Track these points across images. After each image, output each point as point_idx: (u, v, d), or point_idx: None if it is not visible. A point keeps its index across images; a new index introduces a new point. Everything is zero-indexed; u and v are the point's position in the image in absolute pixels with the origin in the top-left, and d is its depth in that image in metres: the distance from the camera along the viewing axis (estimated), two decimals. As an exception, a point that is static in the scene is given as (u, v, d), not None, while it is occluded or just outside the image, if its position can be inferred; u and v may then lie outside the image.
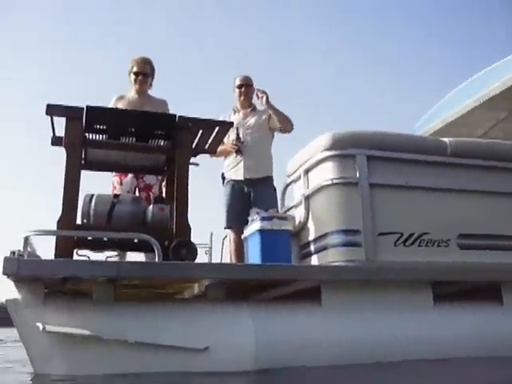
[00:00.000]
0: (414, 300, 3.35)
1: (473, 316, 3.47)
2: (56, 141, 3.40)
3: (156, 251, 2.91)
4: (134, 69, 4.54)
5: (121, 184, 4.37)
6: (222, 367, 2.74)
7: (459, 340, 3.29)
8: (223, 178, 4.80)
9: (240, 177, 4.63)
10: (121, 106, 4.47)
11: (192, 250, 3.08)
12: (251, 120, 4.75)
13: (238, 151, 4.58)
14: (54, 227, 3.00)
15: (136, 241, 3.20)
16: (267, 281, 3.15)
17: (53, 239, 3.03)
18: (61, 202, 3.09)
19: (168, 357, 2.72)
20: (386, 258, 3.30)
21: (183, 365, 2.72)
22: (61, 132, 3.24)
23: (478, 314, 3.50)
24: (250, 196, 4.61)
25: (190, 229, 3.18)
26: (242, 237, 3.94)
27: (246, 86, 4.85)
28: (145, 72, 4.53)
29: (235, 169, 4.67)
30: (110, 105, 4.50)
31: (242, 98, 4.85)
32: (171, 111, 4.50)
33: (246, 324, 2.93)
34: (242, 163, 4.61)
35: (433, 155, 3.58)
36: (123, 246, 3.37)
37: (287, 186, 4.07)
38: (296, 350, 2.92)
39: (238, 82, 4.89)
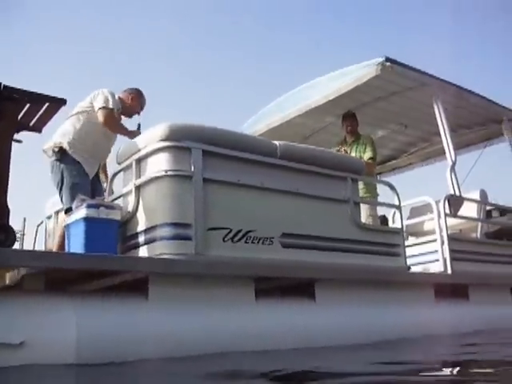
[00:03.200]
0: (238, 295, 3.43)
1: (289, 311, 3.67)
2: None
3: (-31, 235, 2.60)
4: None
5: None
6: (39, 362, 2.53)
7: (277, 333, 3.44)
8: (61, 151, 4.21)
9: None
10: None
11: (10, 235, 2.81)
12: None
13: None
14: None
15: None
16: (91, 271, 2.99)
17: None
18: None
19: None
20: (215, 252, 3.33)
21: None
22: None
23: (294, 309, 3.71)
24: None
25: (9, 211, 2.90)
26: (64, 224, 3.70)
27: None
28: None
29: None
30: None
31: None
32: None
33: (67, 317, 2.75)
34: None
35: (264, 156, 3.70)
36: None
37: (116, 173, 3.91)
38: (121, 344, 2.81)
39: None
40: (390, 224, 6.08)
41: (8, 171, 2.91)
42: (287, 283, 3.79)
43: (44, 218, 5.05)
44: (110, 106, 4.14)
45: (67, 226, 3.64)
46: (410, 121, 7.04)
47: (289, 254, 3.69)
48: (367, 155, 5.73)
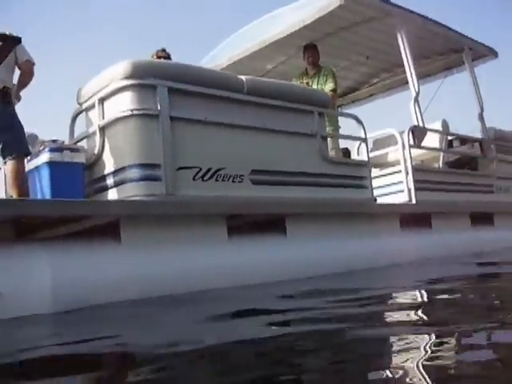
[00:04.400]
0: (210, 233, 3.43)
1: (261, 246, 3.70)
2: None
3: None
4: None
5: None
6: (18, 313, 2.48)
7: (251, 269, 3.48)
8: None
9: None
10: None
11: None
12: None
13: None
14: None
15: None
16: (62, 217, 2.92)
17: None
18: None
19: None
20: (185, 192, 3.29)
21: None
22: None
23: (266, 244, 3.74)
24: None
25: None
26: (26, 170, 3.58)
27: None
28: None
29: None
30: None
31: None
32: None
33: (41, 265, 2.71)
34: None
35: (231, 92, 3.61)
36: None
37: (77, 114, 3.76)
38: (96, 289, 2.79)
39: None
40: (354, 156, 6.10)
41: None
42: (258, 219, 3.80)
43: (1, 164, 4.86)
44: None
45: (30, 172, 3.52)
46: (372, 52, 6.95)
47: (259, 190, 3.68)
48: (329, 87, 5.67)
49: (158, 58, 4.64)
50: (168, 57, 4.72)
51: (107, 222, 3.05)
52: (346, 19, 5.84)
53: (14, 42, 2.98)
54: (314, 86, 5.63)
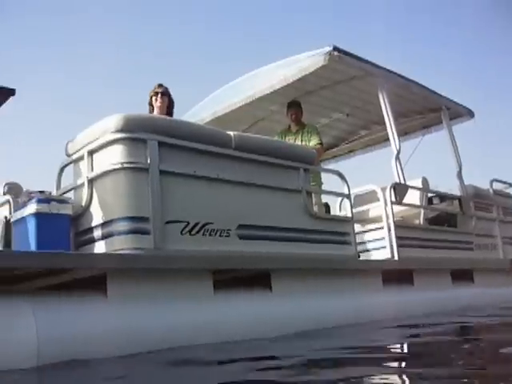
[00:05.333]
0: (196, 288, 3.40)
1: (247, 301, 3.67)
2: None
3: None
4: None
5: None
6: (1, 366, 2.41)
7: (236, 324, 3.44)
8: None
9: None
10: None
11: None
12: None
13: None
14: None
15: None
16: (48, 270, 2.87)
17: None
18: None
19: None
20: (173, 246, 3.28)
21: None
22: None
23: (252, 299, 3.72)
24: None
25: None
26: (12, 220, 3.53)
27: None
28: None
29: None
30: None
31: None
32: None
33: (26, 319, 2.63)
34: None
35: (219, 147, 3.65)
36: None
37: (65, 166, 3.75)
38: (81, 344, 2.72)
39: None
40: (335, 212, 6.17)
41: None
42: (244, 274, 3.78)
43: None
44: None
45: (15, 222, 3.47)
46: (351, 109, 7.15)
47: (245, 245, 3.69)
48: (314, 142, 5.80)
49: (155, 93, 4.77)
50: (166, 91, 4.82)
51: (94, 275, 3.01)
52: (327, 78, 6.03)
53: (8, 93, 2.99)
54: (298, 143, 5.74)
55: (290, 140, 5.89)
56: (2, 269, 2.71)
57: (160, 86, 4.88)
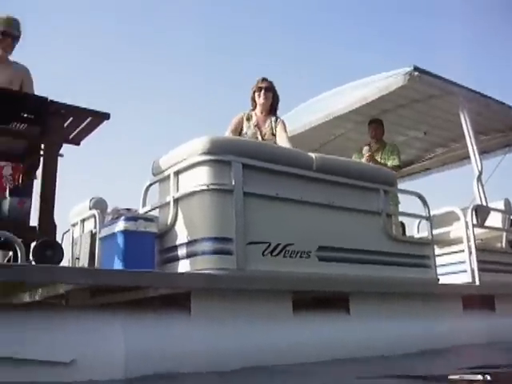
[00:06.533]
0: (276, 309, 3.43)
1: (325, 324, 3.67)
2: None
3: (19, 252, 2.58)
4: (2, 28, 3.99)
5: None
6: (90, 377, 2.52)
7: (314, 346, 3.45)
8: None
9: None
10: None
11: (58, 251, 2.79)
12: None
13: None
14: None
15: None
16: (136, 287, 2.99)
17: None
18: None
19: (30, 372, 2.43)
20: (255, 267, 3.32)
21: (49, 380, 2.44)
22: None
23: (330, 322, 3.71)
24: None
25: (56, 227, 2.88)
26: (100, 236, 3.68)
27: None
28: (14, 34, 4.00)
29: None
30: None
31: None
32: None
33: (115, 332, 2.75)
34: None
35: (301, 169, 3.68)
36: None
37: (151, 185, 3.89)
38: (166, 359, 2.81)
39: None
40: (414, 233, 6.06)
41: (55, 187, 2.89)
42: (323, 296, 3.78)
43: (69, 225, 5.04)
44: None
45: (103, 239, 3.62)
46: (429, 127, 7.04)
47: (325, 267, 3.68)
48: (393, 163, 5.74)
49: (259, 89, 4.60)
50: (270, 86, 4.63)
51: (178, 293, 3.10)
52: (406, 97, 5.97)
53: (102, 117, 3.13)
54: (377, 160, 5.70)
55: (369, 156, 5.84)
56: (94, 286, 2.85)
57: (264, 80, 4.64)
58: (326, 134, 6.99)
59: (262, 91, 4.57)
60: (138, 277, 2.90)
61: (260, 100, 4.58)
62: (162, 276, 3.12)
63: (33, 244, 2.89)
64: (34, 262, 2.78)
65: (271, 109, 4.63)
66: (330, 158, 4.01)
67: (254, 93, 4.63)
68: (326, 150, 6.94)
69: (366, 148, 5.72)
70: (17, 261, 3.00)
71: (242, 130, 4.58)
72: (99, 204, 4.70)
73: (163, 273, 3.29)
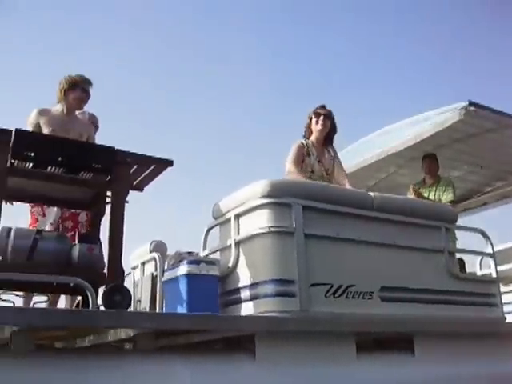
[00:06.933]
0: (340, 351, 3.39)
1: (389, 366, 3.59)
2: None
3: (90, 297, 2.66)
4: (83, 85, 4.27)
5: (43, 215, 3.98)
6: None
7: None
8: None
9: None
10: (45, 121, 4.15)
11: (126, 296, 2.86)
12: None
13: None
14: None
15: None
16: (200, 331, 3.02)
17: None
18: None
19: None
20: (317, 309, 3.31)
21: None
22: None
23: (394, 363, 3.63)
24: None
25: (124, 272, 2.96)
26: (163, 280, 3.75)
27: None
28: (88, 91, 4.24)
29: None
30: (31, 118, 4.15)
31: None
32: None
33: (182, 376, 2.78)
34: None
35: (361, 209, 3.68)
36: (45, 288, 3.04)
37: (211, 228, 3.95)
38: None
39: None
40: (476, 270, 5.91)
41: (122, 233, 2.98)
42: (386, 337, 3.72)
43: (130, 268, 5.16)
44: None
45: (166, 282, 3.68)
46: (486, 161, 6.91)
47: (388, 307, 3.63)
48: (448, 198, 5.65)
49: (317, 115, 4.46)
50: (329, 114, 4.50)
51: (242, 336, 3.12)
52: (462, 132, 5.91)
53: (166, 165, 3.23)
54: (431, 197, 5.63)
55: (424, 193, 5.79)
56: (163, 330, 2.90)
57: (323, 107, 4.52)
58: (378, 172, 6.97)
59: (321, 117, 4.45)
60: (203, 320, 2.93)
61: (318, 126, 4.46)
62: (227, 319, 3.14)
63: (101, 289, 2.99)
64: (102, 307, 2.86)
65: (327, 138, 4.53)
66: (389, 196, 3.99)
67: (310, 119, 4.52)
68: (378, 188, 6.92)
69: (411, 186, 5.70)
70: (85, 306, 3.11)
71: (303, 160, 4.45)
72: (159, 247, 4.79)
73: (228, 316, 3.31)
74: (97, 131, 4.95)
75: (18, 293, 3.13)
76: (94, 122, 4.93)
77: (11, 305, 2.83)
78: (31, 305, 3.38)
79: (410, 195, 5.65)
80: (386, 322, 3.58)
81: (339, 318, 3.38)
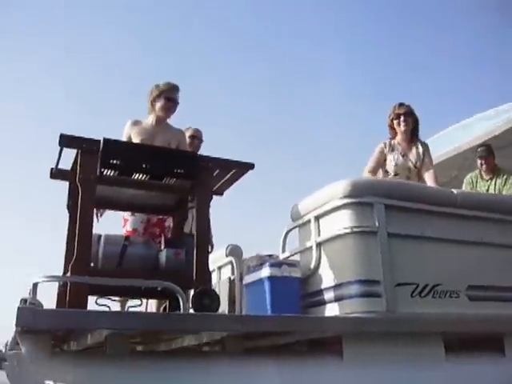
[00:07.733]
0: (428, 352, 3.32)
1: (479, 366, 3.49)
2: (57, 174, 3.17)
3: (181, 300, 2.69)
4: (167, 94, 4.30)
5: (133, 215, 4.14)
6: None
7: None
8: None
9: None
10: (135, 132, 4.26)
11: (215, 299, 2.90)
12: None
13: None
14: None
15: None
16: (287, 332, 3.03)
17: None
18: (65, 242, 2.86)
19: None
20: (404, 309, 3.25)
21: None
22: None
23: (484, 364, 3.52)
24: None
25: (211, 275, 3.00)
26: (244, 283, 3.79)
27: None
28: (176, 100, 4.33)
29: None
30: (125, 130, 4.27)
31: None
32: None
33: (271, 378, 2.79)
34: None
35: (444, 206, 3.59)
36: (136, 293, 3.13)
37: (290, 230, 3.95)
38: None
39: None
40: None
41: (208, 237, 3.03)
42: (474, 337, 3.61)
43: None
44: None
45: (247, 285, 3.71)
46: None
47: (475, 307, 3.52)
48: (510, 191, 5.42)
49: (397, 116, 4.37)
50: (409, 111, 4.39)
51: (327, 338, 3.10)
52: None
53: (247, 167, 3.25)
54: (491, 190, 5.43)
55: (481, 187, 5.58)
56: (251, 332, 2.92)
57: (401, 105, 4.39)
58: (453, 168, 6.78)
59: (402, 117, 4.34)
60: (291, 322, 2.94)
61: (401, 128, 4.35)
62: (314, 320, 3.13)
63: (189, 293, 3.04)
64: (192, 310, 2.91)
65: (412, 134, 4.41)
66: (472, 193, 3.90)
67: (391, 120, 4.42)
68: (452, 184, 6.74)
69: (468, 178, 5.52)
70: (172, 310, 3.17)
71: (385, 160, 4.43)
72: (235, 251, 4.84)
73: (315, 317, 3.30)
74: (201, 144, 5.05)
75: (113, 298, 3.22)
76: (197, 137, 5.04)
77: (107, 309, 2.92)
78: (126, 309, 3.47)
79: (466, 188, 5.45)
80: (475, 322, 3.47)
81: (426, 318, 3.30)
